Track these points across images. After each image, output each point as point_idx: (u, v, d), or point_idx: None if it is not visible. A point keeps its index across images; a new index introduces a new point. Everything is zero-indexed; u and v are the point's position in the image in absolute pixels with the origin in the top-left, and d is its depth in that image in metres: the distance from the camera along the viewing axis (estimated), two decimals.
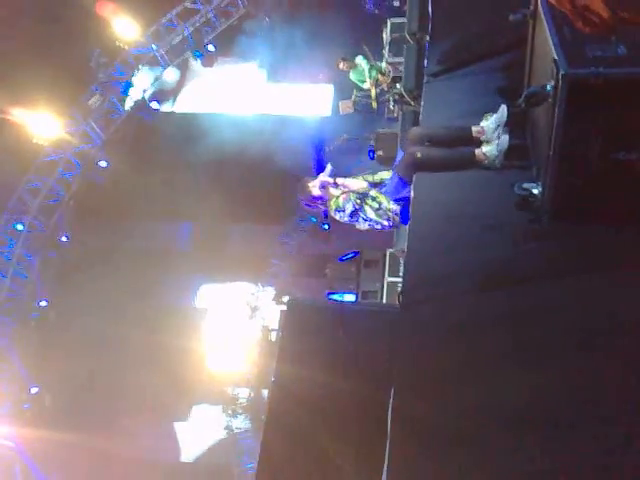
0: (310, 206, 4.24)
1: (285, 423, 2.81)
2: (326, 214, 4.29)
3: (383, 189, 4.16)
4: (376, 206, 4.06)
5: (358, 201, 4.05)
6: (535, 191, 3.49)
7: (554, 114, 2.92)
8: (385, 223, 4.10)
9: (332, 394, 2.71)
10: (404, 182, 4.05)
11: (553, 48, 2.80)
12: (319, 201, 4.20)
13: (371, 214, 4.06)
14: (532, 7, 3.34)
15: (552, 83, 2.82)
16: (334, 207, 4.12)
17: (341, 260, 9.91)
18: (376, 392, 2.58)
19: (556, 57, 2.76)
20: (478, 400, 2.53)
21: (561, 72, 2.72)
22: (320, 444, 2.64)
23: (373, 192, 4.12)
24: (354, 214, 4.09)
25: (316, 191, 4.16)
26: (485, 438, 2.53)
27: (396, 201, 4.08)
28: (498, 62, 4.24)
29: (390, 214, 4.06)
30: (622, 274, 2.91)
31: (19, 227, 12.39)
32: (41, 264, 12.47)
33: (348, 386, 2.72)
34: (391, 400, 2.60)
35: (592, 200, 3.16)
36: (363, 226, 4.15)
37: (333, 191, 4.18)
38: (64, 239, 12.92)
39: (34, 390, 11.58)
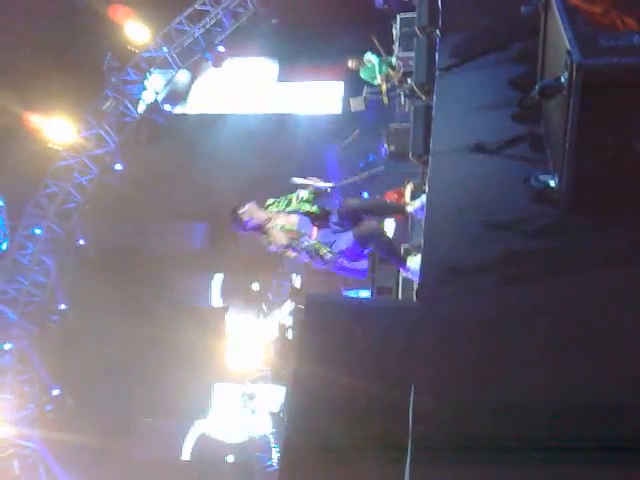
0: (245, 231, 4.34)
1: (304, 423, 2.81)
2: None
3: (331, 246, 4.19)
4: (312, 251, 4.14)
5: (294, 242, 4.16)
6: (552, 183, 3.47)
7: (569, 105, 2.90)
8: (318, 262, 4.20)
9: (351, 392, 2.72)
10: (361, 249, 4.22)
11: (566, 39, 2.78)
12: (254, 229, 4.31)
13: (305, 255, 4.18)
14: None
15: (566, 74, 2.80)
16: (270, 242, 4.24)
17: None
18: (395, 389, 2.57)
19: (569, 48, 2.74)
20: (499, 397, 2.52)
21: (575, 63, 2.70)
22: (340, 444, 2.65)
23: (313, 244, 4.15)
24: (288, 247, 4.20)
25: (247, 217, 4.29)
26: (506, 436, 2.52)
27: (349, 259, 4.22)
28: (510, 54, 4.22)
29: (326, 259, 4.13)
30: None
31: (37, 231, 12.55)
32: (59, 268, 12.63)
33: (367, 384, 2.72)
34: (411, 397, 2.60)
35: (609, 191, 3.13)
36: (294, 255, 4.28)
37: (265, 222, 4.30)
38: (81, 242, 13.07)
39: (55, 392, 11.73)
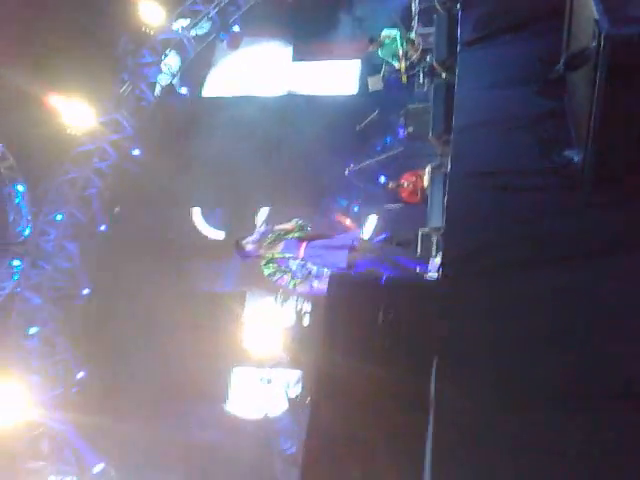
0: (247, 258, 5.34)
1: (328, 412, 2.82)
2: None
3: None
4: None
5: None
6: (575, 158, 3.39)
7: (596, 77, 2.81)
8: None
9: (372, 378, 2.72)
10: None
11: (594, 8, 2.68)
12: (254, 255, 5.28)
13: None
14: None
15: (594, 44, 2.71)
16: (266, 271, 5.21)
17: (373, 243, 9.80)
18: (418, 366, 2.56)
19: (597, 17, 2.64)
20: (522, 373, 2.49)
21: (603, 32, 2.62)
22: (362, 432, 2.65)
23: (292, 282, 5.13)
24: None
25: (249, 247, 5.27)
26: (528, 411, 2.49)
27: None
28: (534, 28, 4.10)
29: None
30: None
31: (59, 217, 12.68)
32: (82, 253, 12.77)
33: (390, 363, 2.71)
34: (433, 372, 2.59)
35: (635, 167, 3.04)
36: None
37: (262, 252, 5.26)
38: (102, 228, 13.17)
39: (81, 374, 11.94)
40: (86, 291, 12.72)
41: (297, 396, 9.90)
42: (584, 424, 2.43)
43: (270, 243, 5.19)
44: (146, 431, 10.37)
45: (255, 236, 5.23)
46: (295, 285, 4.99)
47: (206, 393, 11.15)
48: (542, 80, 3.59)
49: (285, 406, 10.72)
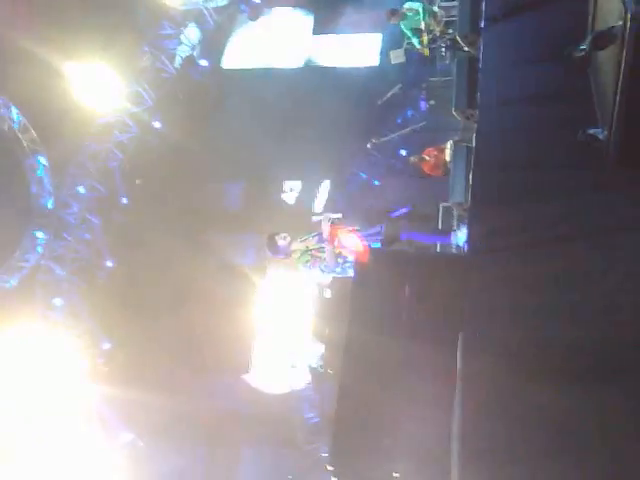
0: (278, 254, 5.85)
1: (356, 380, 2.94)
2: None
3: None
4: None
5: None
6: (600, 136, 3.41)
7: (622, 56, 2.82)
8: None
9: (400, 345, 2.82)
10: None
11: None
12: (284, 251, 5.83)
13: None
14: None
15: (620, 24, 2.72)
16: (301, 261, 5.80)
17: (393, 216, 9.87)
18: (444, 339, 2.66)
19: None
20: (546, 345, 2.58)
21: (630, 12, 2.63)
22: (390, 393, 2.76)
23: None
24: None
25: (281, 243, 5.77)
26: (551, 387, 2.57)
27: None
28: (561, 5, 4.06)
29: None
30: None
31: (81, 190, 12.85)
32: (104, 226, 12.95)
33: (416, 336, 2.81)
34: (459, 345, 2.69)
35: None
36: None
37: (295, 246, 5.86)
38: (124, 201, 13.31)
39: (106, 346, 12.20)
40: (109, 263, 12.92)
41: (319, 367, 10.13)
42: (605, 394, 2.51)
43: (303, 241, 5.74)
44: (171, 402, 10.61)
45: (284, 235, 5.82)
46: (325, 267, 5.40)
47: (230, 364, 11.38)
48: (567, 58, 3.59)
49: (307, 377, 10.94)
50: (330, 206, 11.67)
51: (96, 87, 11.93)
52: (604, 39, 2.87)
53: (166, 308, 11.54)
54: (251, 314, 10.48)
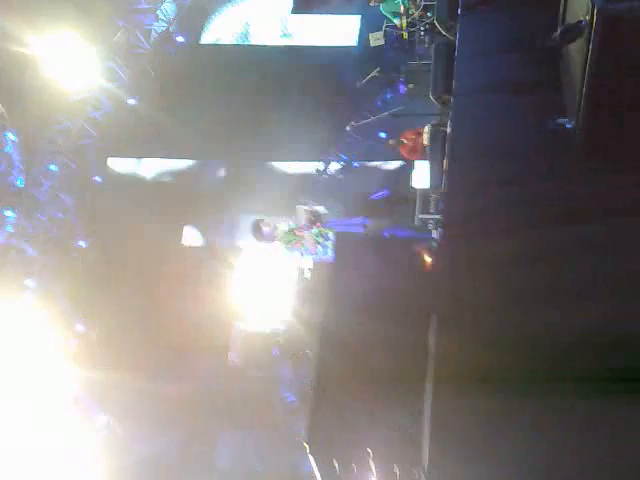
0: (264, 239, 6.31)
1: (332, 359, 3.03)
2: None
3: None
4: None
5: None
6: (568, 125, 3.53)
7: (588, 49, 2.93)
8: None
9: (375, 326, 2.92)
10: None
11: None
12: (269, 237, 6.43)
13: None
14: None
15: (587, 18, 2.82)
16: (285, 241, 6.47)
17: (373, 198, 9.95)
18: (417, 321, 2.76)
19: None
20: (516, 331, 2.70)
21: (596, 7, 2.72)
22: (365, 373, 2.86)
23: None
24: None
25: (266, 229, 6.44)
26: (525, 370, 2.70)
27: None
28: None
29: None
30: None
31: (52, 168, 12.60)
32: (77, 205, 12.74)
33: (390, 317, 2.91)
34: (431, 332, 2.80)
35: (624, 137, 3.19)
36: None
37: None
38: (98, 179, 13.12)
39: (79, 327, 12.08)
40: (82, 243, 12.75)
41: (298, 348, 10.25)
42: (572, 379, 2.64)
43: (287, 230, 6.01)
44: (146, 384, 10.61)
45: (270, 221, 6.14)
46: (307, 246, 5.65)
47: (207, 346, 11.40)
48: (540, 48, 3.69)
49: (285, 357, 11.06)
50: (310, 189, 11.73)
51: (68, 62, 11.66)
52: (572, 32, 2.96)
53: (141, 289, 11.48)
54: (229, 296, 10.50)
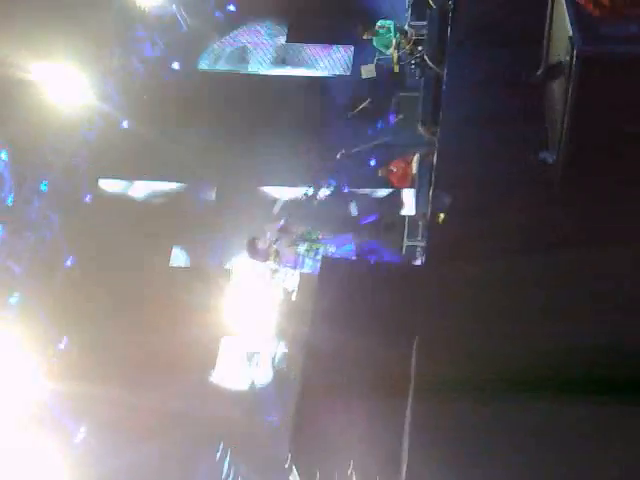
0: (258, 257, 6.69)
1: (316, 379, 3.08)
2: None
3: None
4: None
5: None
6: (550, 160, 3.69)
7: (569, 87, 3.09)
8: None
9: (360, 347, 2.98)
10: None
11: (569, 25, 2.94)
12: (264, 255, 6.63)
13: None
14: None
15: (568, 59, 2.98)
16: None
17: (361, 223, 10.08)
18: (400, 343, 2.84)
19: (572, 34, 2.91)
20: (495, 348, 2.80)
21: (576, 49, 2.88)
22: (348, 391, 2.92)
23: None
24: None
25: (262, 246, 6.62)
26: (502, 389, 2.79)
27: None
28: (519, 34, 4.35)
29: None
30: (627, 244, 3.12)
31: (43, 187, 12.61)
32: (66, 224, 12.72)
33: (374, 340, 2.98)
34: (414, 352, 2.87)
35: (603, 171, 3.35)
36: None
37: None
38: (87, 199, 13.13)
39: (62, 345, 11.95)
40: (69, 262, 12.69)
41: (282, 368, 10.24)
42: (554, 401, 2.73)
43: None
44: (129, 399, 10.53)
45: (267, 237, 6.26)
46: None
47: (191, 365, 11.36)
48: (524, 83, 3.87)
49: (270, 378, 11.02)
50: (299, 213, 11.86)
51: (62, 83, 11.80)
52: (554, 71, 3.13)
53: (127, 309, 11.43)
54: (215, 314, 10.50)
